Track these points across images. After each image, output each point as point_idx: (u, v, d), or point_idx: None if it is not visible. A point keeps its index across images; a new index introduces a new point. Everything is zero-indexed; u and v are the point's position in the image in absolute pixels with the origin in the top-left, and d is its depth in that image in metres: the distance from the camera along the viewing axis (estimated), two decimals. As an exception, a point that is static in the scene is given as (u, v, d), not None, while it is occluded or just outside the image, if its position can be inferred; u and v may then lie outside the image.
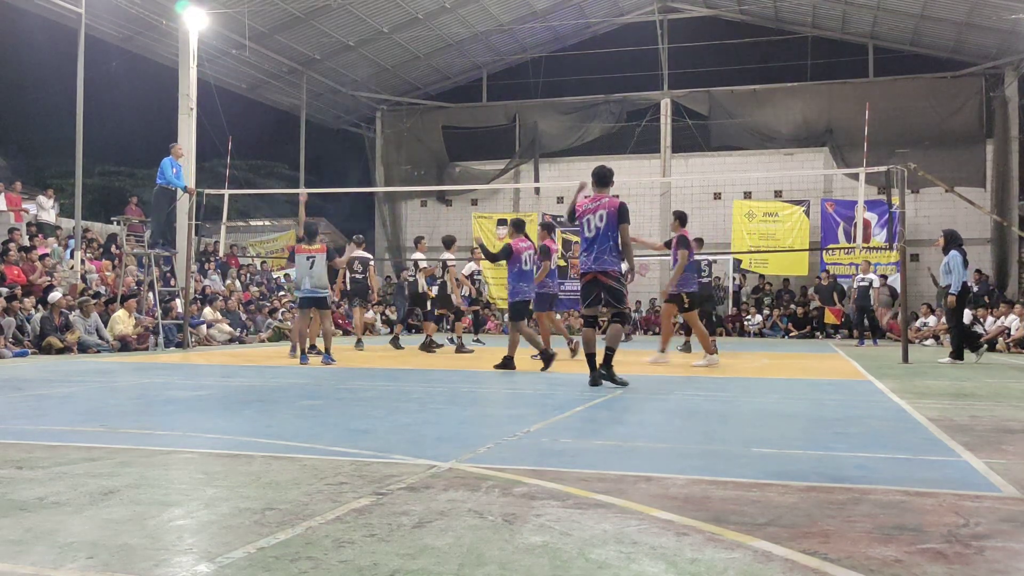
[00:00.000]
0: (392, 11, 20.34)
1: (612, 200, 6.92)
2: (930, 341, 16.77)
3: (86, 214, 16.45)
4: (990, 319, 15.16)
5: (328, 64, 22.42)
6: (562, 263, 23.19)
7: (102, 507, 2.70)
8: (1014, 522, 2.61)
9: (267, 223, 26.37)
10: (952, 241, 10.82)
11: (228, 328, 15.09)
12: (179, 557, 2.19)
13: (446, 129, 25.09)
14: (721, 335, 20.43)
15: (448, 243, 12.82)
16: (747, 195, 22.22)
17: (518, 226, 10.01)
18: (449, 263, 12.77)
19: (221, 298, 16.02)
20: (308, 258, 10.08)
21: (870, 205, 17.55)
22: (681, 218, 10.42)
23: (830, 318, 19.93)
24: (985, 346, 11.69)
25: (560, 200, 24.06)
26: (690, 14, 23.29)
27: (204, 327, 14.56)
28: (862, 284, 15.53)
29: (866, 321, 15.78)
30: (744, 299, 21.62)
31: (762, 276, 21.98)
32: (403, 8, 20.28)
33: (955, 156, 20.77)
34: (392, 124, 25.79)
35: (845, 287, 19.42)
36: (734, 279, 21.98)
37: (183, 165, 15.28)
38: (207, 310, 15.15)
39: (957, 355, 10.70)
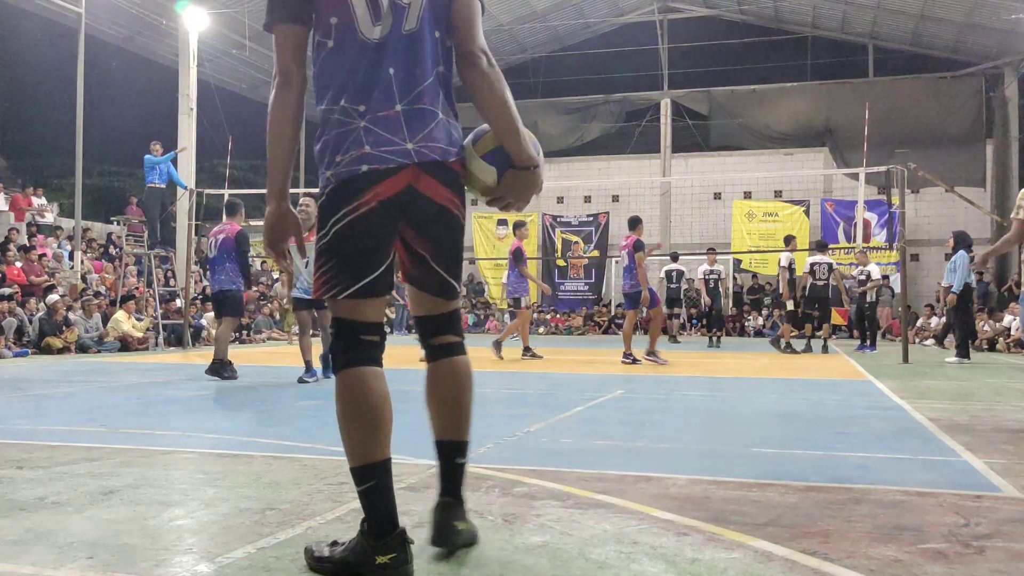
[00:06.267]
0: (392, 11, 20.31)
1: None
2: (930, 341, 16.74)
3: (86, 214, 16.44)
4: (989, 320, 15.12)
5: (328, 64, 22.38)
6: (561, 263, 23.26)
7: (102, 507, 2.70)
8: (1014, 522, 2.61)
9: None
10: (961, 242, 10.88)
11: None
12: (179, 557, 2.19)
13: (446, 129, 25.04)
14: (721, 335, 20.37)
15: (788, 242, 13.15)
16: (747, 195, 22.21)
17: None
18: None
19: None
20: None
21: (870, 205, 17.52)
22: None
23: (837, 319, 19.77)
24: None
25: (560, 200, 24.06)
26: (690, 14, 23.27)
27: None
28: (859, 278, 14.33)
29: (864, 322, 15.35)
30: (746, 301, 21.58)
31: (754, 276, 21.93)
32: (403, 8, 20.25)
33: (955, 156, 20.74)
34: (392, 124, 25.74)
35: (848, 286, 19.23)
36: (734, 279, 21.92)
37: (184, 164, 15.29)
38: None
39: (964, 353, 10.73)
